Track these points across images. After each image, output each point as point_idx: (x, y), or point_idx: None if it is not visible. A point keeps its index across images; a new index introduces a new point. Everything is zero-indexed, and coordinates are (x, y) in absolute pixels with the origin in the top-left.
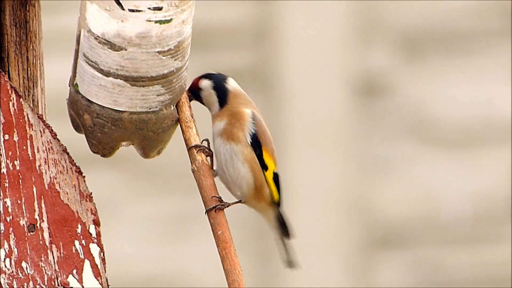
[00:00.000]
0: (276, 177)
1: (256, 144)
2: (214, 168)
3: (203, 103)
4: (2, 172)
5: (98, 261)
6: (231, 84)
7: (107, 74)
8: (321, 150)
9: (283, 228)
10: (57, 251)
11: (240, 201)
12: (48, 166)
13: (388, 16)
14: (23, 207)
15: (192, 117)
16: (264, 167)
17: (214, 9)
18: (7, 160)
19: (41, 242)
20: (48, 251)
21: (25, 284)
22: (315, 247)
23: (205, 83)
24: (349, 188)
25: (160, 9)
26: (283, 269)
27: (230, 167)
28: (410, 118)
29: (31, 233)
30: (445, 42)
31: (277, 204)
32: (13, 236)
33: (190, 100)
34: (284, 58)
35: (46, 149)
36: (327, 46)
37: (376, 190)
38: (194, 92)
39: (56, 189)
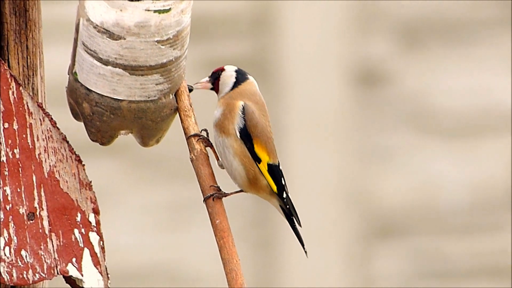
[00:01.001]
0: (271, 169)
1: (246, 137)
2: (219, 157)
3: (214, 89)
4: (1, 161)
5: (97, 249)
6: (252, 78)
7: (106, 62)
8: (320, 139)
9: (288, 217)
10: (57, 239)
11: (241, 191)
12: (48, 155)
13: (387, 5)
14: (23, 196)
15: (191, 106)
16: (257, 159)
17: None
18: (7, 149)
19: (40, 231)
20: (48, 239)
21: (25, 272)
22: (314, 237)
23: (230, 67)
24: (348, 178)
25: None
26: (281, 258)
27: (224, 159)
28: (409, 107)
29: (31, 221)
30: (444, 32)
31: (277, 194)
32: (12, 225)
33: (190, 91)
34: (283, 47)
35: (45, 138)
36: (326, 35)
37: (375, 179)
38: (215, 74)
39: (56, 178)
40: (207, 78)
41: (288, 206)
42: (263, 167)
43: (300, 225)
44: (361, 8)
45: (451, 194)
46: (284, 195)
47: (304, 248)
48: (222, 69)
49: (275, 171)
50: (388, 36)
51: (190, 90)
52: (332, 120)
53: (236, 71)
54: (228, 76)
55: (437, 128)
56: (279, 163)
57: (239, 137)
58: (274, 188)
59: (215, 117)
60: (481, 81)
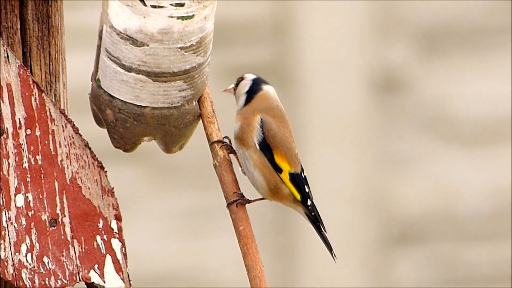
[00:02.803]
0: (293, 178)
1: (266, 148)
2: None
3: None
4: (24, 167)
5: (119, 256)
6: (268, 88)
7: (129, 69)
8: (339, 145)
9: (315, 223)
10: (79, 246)
11: (264, 198)
12: (70, 161)
13: (407, 12)
14: (45, 202)
15: (214, 112)
16: (278, 169)
17: (234, 5)
18: (29, 155)
19: (62, 237)
20: (70, 246)
21: (47, 279)
22: (333, 243)
23: (250, 75)
24: (367, 184)
25: (182, 5)
26: (302, 264)
27: (246, 170)
28: (428, 114)
29: (53, 227)
30: (463, 39)
31: (301, 202)
32: (34, 231)
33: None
34: (303, 53)
35: (68, 144)
36: (346, 41)
37: (393, 186)
38: (237, 81)
39: (78, 184)
40: (232, 85)
41: (313, 213)
42: (285, 176)
43: (325, 231)
44: (381, 15)
45: (470, 201)
46: (309, 202)
47: (332, 254)
48: (243, 77)
49: (297, 180)
50: (408, 43)
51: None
52: (351, 126)
53: (253, 80)
54: (243, 86)
55: (457, 134)
56: (302, 171)
57: (258, 149)
58: (298, 196)
59: (234, 130)
60: (500, 88)
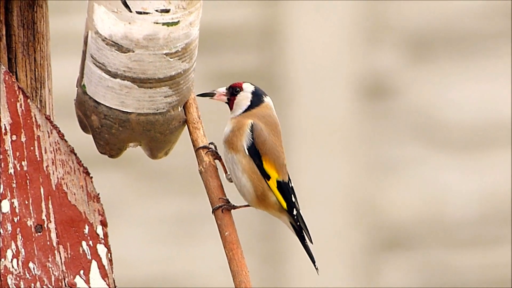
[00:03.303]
0: (280, 185)
1: (255, 154)
2: (228, 173)
3: (228, 103)
4: (9, 173)
5: (105, 261)
6: (268, 100)
7: (114, 75)
8: (328, 151)
9: (299, 234)
10: (65, 251)
11: (248, 205)
12: (56, 167)
13: (395, 18)
14: (31, 208)
15: (199, 118)
16: (266, 176)
17: (220, 10)
18: (15, 161)
19: (48, 243)
20: (56, 251)
21: (32, 284)
22: (321, 249)
23: (248, 85)
24: (356, 190)
25: (167, 11)
26: (289, 270)
27: (233, 176)
28: (416, 120)
29: (39, 233)
30: (452, 44)
31: (287, 211)
32: (20, 237)
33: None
34: (291, 59)
35: (53, 150)
36: (334, 47)
37: (382, 192)
38: (233, 90)
39: (64, 190)
40: (224, 90)
41: (298, 223)
42: (272, 183)
43: (311, 242)
44: (369, 21)
45: (459, 207)
46: (295, 212)
47: (315, 265)
48: (241, 87)
49: (284, 188)
50: (396, 49)
51: (209, 95)
52: (340, 133)
53: (252, 92)
54: (244, 98)
55: (445, 140)
56: (290, 181)
57: (247, 153)
58: (284, 204)
59: (224, 134)
60: (489, 93)
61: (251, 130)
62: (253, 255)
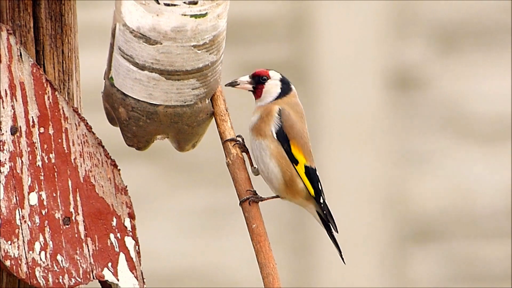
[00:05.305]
0: (308, 171)
1: (283, 138)
2: (254, 165)
3: (254, 92)
4: (37, 165)
5: (133, 254)
6: (294, 88)
7: (142, 67)
8: (356, 143)
9: (325, 223)
10: (92, 244)
11: (277, 196)
12: (84, 159)
13: (424, 10)
14: (58, 200)
15: (226, 111)
16: (294, 161)
17: (249, 3)
18: (43, 153)
19: (76, 235)
20: (83, 244)
21: (60, 277)
22: (350, 241)
23: (275, 73)
24: (384, 182)
25: (195, 3)
26: (317, 261)
27: (261, 163)
28: (444, 112)
29: (67, 226)
30: (480, 36)
31: (315, 198)
32: (48, 229)
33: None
34: (320, 51)
35: (81, 142)
36: (363, 39)
37: (410, 184)
38: (259, 78)
39: (91, 182)
40: (247, 78)
41: (325, 212)
42: (301, 169)
43: (337, 231)
44: (398, 13)
45: (487, 198)
46: (321, 200)
47: (341, 255)
48: (267, 75)
49: (312, 174)
50: (424, 41)
51: (232, 85)
52: (368, 124)
53: (281, 80)
54: (274, 86)
55: (473, 132)
56: (315, 169)
57: (275, 138)
58: (312, 191)
59: (251, 122)
60: None
61: (279, 114)
62: (281, 247)
